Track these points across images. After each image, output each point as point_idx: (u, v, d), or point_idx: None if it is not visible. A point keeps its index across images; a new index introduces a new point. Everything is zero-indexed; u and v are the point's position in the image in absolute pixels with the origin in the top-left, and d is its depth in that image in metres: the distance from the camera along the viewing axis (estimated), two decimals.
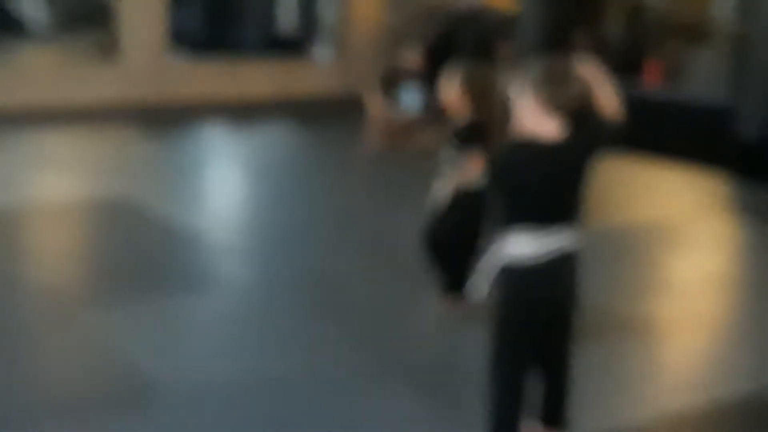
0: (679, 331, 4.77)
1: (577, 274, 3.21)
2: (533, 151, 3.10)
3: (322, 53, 13.37)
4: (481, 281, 3.22)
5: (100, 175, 7.82)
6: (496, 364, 3.21)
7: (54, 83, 10.88)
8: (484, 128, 4.26)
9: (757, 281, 5.72)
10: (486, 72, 4.64)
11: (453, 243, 4.61)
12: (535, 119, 3.07)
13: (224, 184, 8.10)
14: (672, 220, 6.85)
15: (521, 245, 3.06)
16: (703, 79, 10.45)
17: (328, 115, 10.92)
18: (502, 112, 3.34)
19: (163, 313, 4.74)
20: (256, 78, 12.12)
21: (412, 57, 9.40)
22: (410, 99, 9.31)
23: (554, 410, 3.35)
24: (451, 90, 4.49)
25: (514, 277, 3.12)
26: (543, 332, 3.21)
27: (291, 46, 13.43)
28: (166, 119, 10.22)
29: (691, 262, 5.95)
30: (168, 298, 4.97)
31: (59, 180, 7.64)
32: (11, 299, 4.94)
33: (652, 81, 10.52)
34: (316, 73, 12.77)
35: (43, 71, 11.77)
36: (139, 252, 5.82)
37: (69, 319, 4.65)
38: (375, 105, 9.12)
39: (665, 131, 8.97)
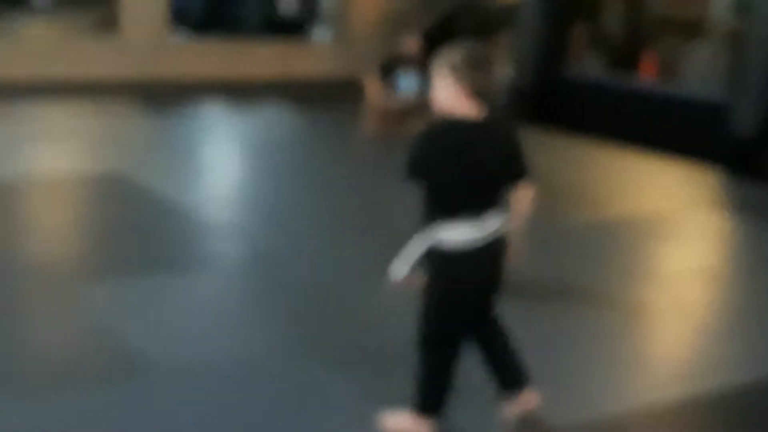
0: (667, 320, 4.79)
1: (504, 256, 3.26)
2: (458, 129, 3.17)
3: (321, 35, 13.35)
4: (404, 264, 3.24)
5: (97, 150, 7.83)
6: (431, 341, 3.28)
7: (55, 57, 10.87)
8: None
9: (747, 275, 5.77)
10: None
11: None
12: (454, 101, 3.15)
13: (220, 162, 8.10)
14: (665, 213, 6.87)
15: (451, 231, 3.13)
16: (699, 75, 10.48)
17: (326, 97, 10.91)
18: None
19: (155, 289, 4.76)
20: (255, 58, 12.11)
21: (411, 43, 9.40)
22: (408, 84, 9.30)
23: (510, 374, 3.41)
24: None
25: (446, 260, 3.18)
26: (474, 312, 3.30)
27: (291, 28, 13.41)
28: (164, 97, 10.22)
29: (683, 254, 5.97)
30: (160, 274, 4.99)
31: (56, 154, 7.64)
32: (6, 272, 4.96)
33: (648, 75, 10.53)
34: (316, 55, 12.76)
35: (45, 45, 11.74)
36: (134, 227, 5.84)
37: (62, 293, 4.67)
38: (373, 90, 9.11)
39: (659, 126, 8.99)
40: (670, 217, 6.80)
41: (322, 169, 7.85)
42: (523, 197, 3.26)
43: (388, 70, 9.41)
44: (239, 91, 10.79)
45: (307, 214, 6.32)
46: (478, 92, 3.14)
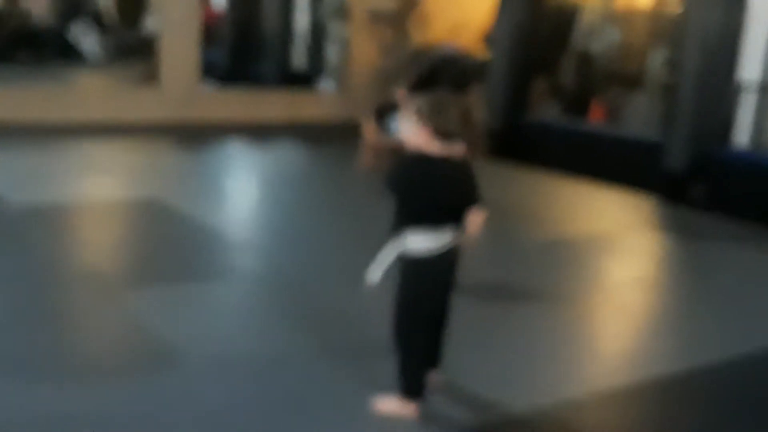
0: (611, 320, 4.81)
1: (458, 262, 3.36)
2: (424, 163, 3.24)
3: (326, 86, 13.41)
4: (377, 269, 3.39)
5: (139, 180, 7.82)
6: (405, 327, 3.36)
7: (105, 103, 10.88)
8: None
9: (676, 283, 5.82)
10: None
11: None
12: (422, 140, 3.23)
13: (241, 190, 8.10)
14: (608, 233, 6.89)
15: (415, 241, 3.24)
16: (638, 119, 10.55)
17: (330, 137, 10.94)
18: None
19: (186, 295, 4.76)
20: (271, 105, 12.13)
21: (400, 92, 9.44)
22: (397, 126, 9.33)
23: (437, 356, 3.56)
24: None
25: (413, 264, 3.28)
26: (436, 306, 3.39)
27: (301, 80, 13.47)
28: (195, 136, 10.23)
29: (624, 266, 6.00)
30: (190, 282, 4.99)
31: (106, 183, 7.64)
32: (63, 280, 4.96)
33: (596, 119, 10.59)
34: (321, 102, 12.80)
35: (96, 93, 11.77)
36: (169, 244, 5.83)
37: (109, 298, 4.66)
38: (369, 130, 9.13)
39: (606, 161, 9.03)
40: (614, 236, 6.82)
41: (327, 196, 7.86)
42: (476, 219, 3.30)
43: (381, 114, 9.45)
44: (257, 132, 10.81)
45: (314, 233, 6.32)
46: (439, 132, 3.19)
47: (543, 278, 5.55)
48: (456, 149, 3.26)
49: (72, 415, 3.26)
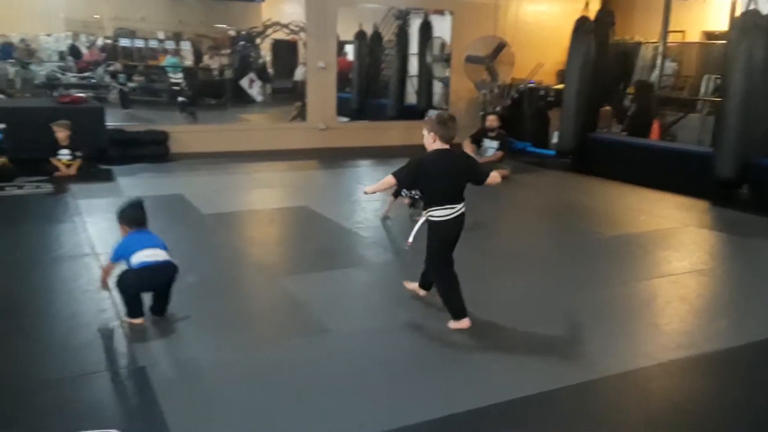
0: (670, 304, 4.56)
1: (463, 224, 3.87)
2: (435, 154, 3.82)
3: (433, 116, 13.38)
4: (413, 234, 3.91)
5: (293, 192, 8.06)
6: (437, 267, 3.93)
7: (266, 135, 11.31)
8: None
9: (727, 272, 5.45)
10: None
11: None
12: (432, 143, 3.82)
13: (369, 199, 8.17)
14: (667, 230, 6.54)
15: (437, 211, 3.80)
16: (692, 135, 10.04)
17: None
18: None
19: (329, 279, 4.85)
20: (390, 133, 12.25)
21: (492, 119, 9.32)
22: (490, 145, 9.22)
23: (428, 280, 4.18)
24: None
25: (435, 225, 3.83)
26: (449, 251, 3.92)
27: (413, 113, 13.50)
28: (333, 159, 10.44)
29: (680, 258, 5.67)
30: (332, 269, 5.08)
31: (268, 195, 7.93)
32: (238, 268, 5.17)
33: (656, 136, 10.14)
34: None
35: (261, 128, 12.23)
36: (316, 240, 5.97)
37: (272, 280, 4.82)
38: (468, 150, 9.07)
39: (664, 171, 8.61)
40: (672, 233, 6.47)
41: None
42: (493, 176, 3.98)
43: (478, 137, 9.39)
44: (380, 154, 10.93)
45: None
46: (443, 137, 3.77)
47: (612, 266, 5.33)
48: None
49: (248, 363, 3.41)
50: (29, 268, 4.83)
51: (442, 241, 3.84)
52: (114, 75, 13.87)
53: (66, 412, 2.88)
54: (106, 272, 3.95)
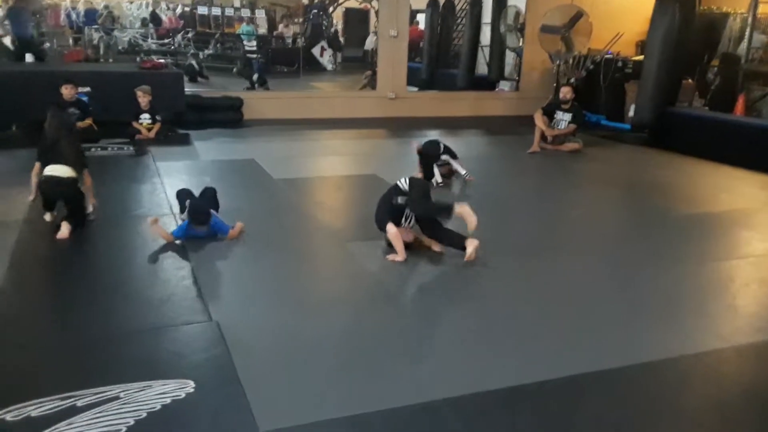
0: (749, 285, 4.32)
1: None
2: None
3: (504, 88, 13.09)
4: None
5: (362, 160, 8.08)
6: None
7: (338, 103, 11.35)
8: None
9: None
10: None
11: None
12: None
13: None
14: (748, 209, 6.19)
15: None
16: None
17: (507, 128, 10.69)
18: None
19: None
20: (460, 104, 12.07)
21: (566, 90, 9.00)
22: (562, 117, 8.93)
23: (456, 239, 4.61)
24: None
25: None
26: None
27: (484, 84, 13.24)
28: (402, 128, 10.38)
29: (761, 238, 5.35)
30: None
31: (338, 162, 7.97)
32: (308, 232, 5.24)
33: (741, 111, 9.56)
34: (501, 101, 12.54)
35: (331, 95, 12.28)
36: None
37: (340, 246, 4.86)
38: (539, 121, 8.83)
39: (749, 148, 8.12)
40: (753, 212, 6.12)
41: (505, 173, 7.71)
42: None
43: (550, 109, 9.10)
44: (449, 124, 10.79)
45: (498, 196, 6.20)
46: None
47: (689, 245, 5.10)
48: None
49: (317, 326, 3.45)
50: (114, 225, 5.05)
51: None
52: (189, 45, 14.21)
53: (147, 362, 3.01)
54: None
